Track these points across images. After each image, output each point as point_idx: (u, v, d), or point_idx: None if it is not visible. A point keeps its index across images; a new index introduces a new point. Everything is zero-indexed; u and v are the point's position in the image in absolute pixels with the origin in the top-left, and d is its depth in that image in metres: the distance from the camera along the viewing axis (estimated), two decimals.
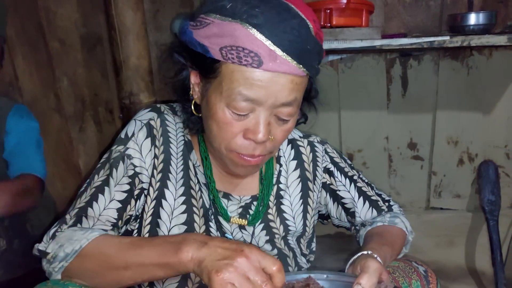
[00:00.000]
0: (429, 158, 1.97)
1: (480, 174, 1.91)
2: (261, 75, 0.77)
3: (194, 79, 0.88)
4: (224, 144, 0.85)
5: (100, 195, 0.88)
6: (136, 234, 0.93)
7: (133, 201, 0.90)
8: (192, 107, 0.90)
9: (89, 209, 0.87)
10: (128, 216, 0.91)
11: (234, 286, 0.65)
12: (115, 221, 0.88)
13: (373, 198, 1.09)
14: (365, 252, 0.85)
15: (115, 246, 0.79)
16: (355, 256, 0.85)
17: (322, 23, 1.54)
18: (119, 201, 0.88)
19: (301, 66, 0.78)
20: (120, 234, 0.91)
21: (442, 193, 2.00)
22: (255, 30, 0.75)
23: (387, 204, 1.10)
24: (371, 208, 1.07)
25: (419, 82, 1.89)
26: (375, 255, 0.84)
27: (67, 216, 0.87)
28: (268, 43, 0.75)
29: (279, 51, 0.76)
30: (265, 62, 0.76)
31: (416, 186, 2.01)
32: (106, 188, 0.89)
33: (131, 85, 1.74)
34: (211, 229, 0.95)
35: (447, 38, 1.47)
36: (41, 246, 0.84)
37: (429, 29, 1.80)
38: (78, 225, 0.85)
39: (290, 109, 0.82)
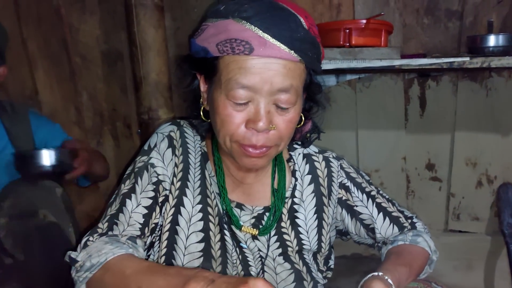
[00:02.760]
0: (448, 180, 1.95)
1: (500, 197, 1.87)
2: (254, 62, 0.83)
3: (203, 87, 0.95)
4: (228, 136, 0.88)
5: (128, 201, 0.92)
6: (157, 244, 0.95)
7: (158, 208, 0.94)
8: (202, 113, 0.95)
9: (120, 214, 0.91)
10: (153, 225, 0.94)
11: None
12: (141, 226, 0.91)
13: (394, 214, 1.07)
14: (376, 273, 0.85)
15: (133, 267, 0.81)
16: (366, 277, 0.85)
17: (341, 43, 1.55)
18: (145, 207, 0.92)
19: (292, 51, 0.83)
20: (145, 246, 0.93)
21: (460, 215, 1.97)
22: (245, 21, 0.82)
23: (409, 221, 1.07)
24: (392, 224, 1.06)
25: (437, 103, 1.89)
26: (386, 277, 0.83)
27: (100, 225, 0.92)
28: (257, 30, 0.81)
29: (268, 37, 0.81)
30: (256, 48, 0.81)
31: (434, 208, 1.98)
32: (133, 195, 0.93)
33: (150, 100, 1.76)
34: (226, 237, 0.97)
35: (467, 59, 1.47)
36: (73, 254, 0.87)
37: (447, 51, 1.80)
38: (110, 232, 0.89)
39: (288, 96, 0.86)
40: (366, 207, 1.07)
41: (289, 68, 0.84)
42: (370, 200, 1.07)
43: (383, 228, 1.06)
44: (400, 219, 1.08)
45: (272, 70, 0.83)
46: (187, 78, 0.97)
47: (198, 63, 0.91)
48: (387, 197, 1.10)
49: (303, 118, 0.97)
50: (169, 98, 1.79)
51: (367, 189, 1.08)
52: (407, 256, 0.97)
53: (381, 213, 1.07)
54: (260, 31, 0.81)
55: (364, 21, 1.52)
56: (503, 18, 1.74)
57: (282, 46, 0.82)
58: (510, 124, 1.84)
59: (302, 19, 0.86)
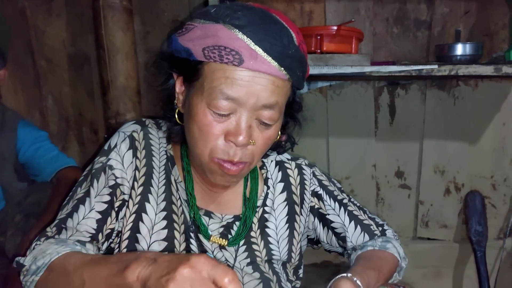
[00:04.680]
0: (416, 187, 1.97)
1: (467, 204, 1.90)
2: (242, 74, 0.78)
3: (179, 88, 0.89)
4: (207, 150, 0.83)
5: (80, 206, 0.87)
6: (116, 251, 0.90)
7: (113, 213, 0.88)
8: (176, 116, 0.90)
9: (69, 219, 0.86)
10: (109, 230, 0.88)
11: None
12: (94, 231, 0.86)
13: (366, 222, 1.06)
14: (344, 275, 0.83)
15: (75, 263, 0.76)
16: (334, 279, 0.84)
17: (312, 49, 1.54)
18: (99, 212, 0.87)
19: (282, 68, 0.79)
20: (101, 250, 0.89)
21: (429, 222, 1.98)
22: (237, 30, 0.77)
23: (380, 228, 1.07)
24: (363, 232, 1.05)
25: (406, 111, 1.91)
26: (355, 279, 0.82)
27: (48, 229, 0.87)
28: (249, 42, 0.77)
29: (260, 51, 0.77)
30: (245, 60, 0.77)
31: (403, 215, 2.00)
32: (87, 198, 0.88)
33: (118, 105, 1.72)
34: (192, 246, 0.92)
35: (435, 66, 1.49)
36: (21, 259, 0.82)
37: (416, 59, 1.82)
38: (57, 236, 0.84)
39: (272, 113, 0.82)
40: (338, 216, 1.05)
41: (276, 85, 0.81)
42: (342, 208, 1.05)
43: (354, 236, 1.05)
44: (371, 227, 1.07)
45: (259, 85, 0.79)
46: (161, 76, 0.91)
47: (178, 63, 0.85)
48: (358, 204, 1.09)
49: (279, 133, 0.93)
50: (137, 102, 1.75)
51: (339, 197, 1.06)
52: (376, 260, 0.96)
53: (352, 221, 1.05)
54: (252, 43, 0.77)
55: (335, 27, 1.53)
56: (470, 28, 1.78)
57: (273, 62, 0.78)
58: (477, 132, 1.88)
59: (294, 35, 0.82)
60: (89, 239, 0.86)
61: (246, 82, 0.79)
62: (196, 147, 0.85)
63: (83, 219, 0.86)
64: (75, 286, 0.72)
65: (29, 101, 1.95)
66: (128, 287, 0.65)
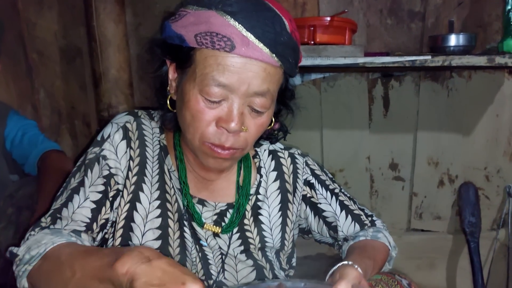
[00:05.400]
0: (410, 179, 1.97)
1: (461, 196, 1.91)
2: (234, 60, 0.79)
3: (171, 74, 0.89)
4: (197, 135, 0.84)
5: (75, 196, 0.87)
6: (111, 241, 0.90)
7: (108, 203, 0.88)
8: (168, 102, 0.90)
9: (64, 209, 0.86)
10: (104, 220, 0.88)
11: None
12: (88, 221, 0.86)
13: (356, 212, 1.07)
14: (345, 262, 0.84)
15: (69, 253, 0.75)
16: (335, 267, 0.84)
17: (305, 40, 1.54)
18: (93, 201, 0.87)
19: (274, 55, 0.80)
20: (96, 240, 0.89)
21: (423, 214, 1.99)
22: (229, 17, 0.78)
23: (370, 219, 1.08)
24: (353, 222, 1.05)
25: (400, 103, 1.90)
26: (356, 266, 0.83)
27: (42, 219, 0.87)
28: (241, 28, 0.77)
29: (251, 37, 0.77)
30: (237, 46, 0.77)
31: (397, 207, 2.00)
32: (81, 188, 0.88)
33: (110, 97, 1.70)
34: (185, 234, 0.92)
35: (428, 57, 1.49)
36: (14, 249, 0.82)
37: (410, 51, 1.82)
38: (52, 226, 0.84)
39: (264, 100, 0.83)
40: (330, 205, 1.06)
41: (268, 72, 0.81)
42: (333, 197, 1.06)
43: (345, 225, 1.06)
44: (361, 217, 1.08)
45: (251, 72, 0.79)
46: (155, 62, 0.92)
47: (171, 50, 0.86)
48: (348, 195, 1.10)
49: (272, 120, 0.93)
50: (130, 95, 1.74)
51: (330, 187, 1.07)
52: (370, 250, 0.97)
53: (343, 211, 1.06)
54: (244, 30, 0.77)
55: (329, 18, 1.52)
56: (463, 19, 1.78)
57: (265, 49, 0.78)
58: (471, 124, 1.88)
59: (286, 22, 0.82)
60: (84, 228, 0.86)
61: (237, 69, 0.79)
62: (188, 132, 0.86)
63: (78, 208, 0.86)
64: (66, 276, 0.72)
65: (21, 94, 1.93)
66: (116, 280, 0.64)
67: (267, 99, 0.83)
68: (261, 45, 0.78)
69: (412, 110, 1.90)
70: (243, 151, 0.88)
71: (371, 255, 0.94)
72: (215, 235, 0.95)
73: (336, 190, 1.07)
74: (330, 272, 0.84)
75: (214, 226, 0.94)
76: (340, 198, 1.07)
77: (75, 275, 0.71)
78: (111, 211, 0.89)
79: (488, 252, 1.90)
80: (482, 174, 1.93)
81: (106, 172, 0.88)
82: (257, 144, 1.04)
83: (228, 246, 0.96)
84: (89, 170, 0.88)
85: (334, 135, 1.94)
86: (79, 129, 2.00)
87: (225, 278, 0.94)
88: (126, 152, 0.90)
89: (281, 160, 1.05)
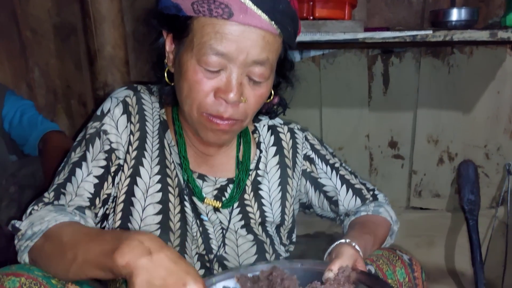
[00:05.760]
0: (410, 157, 1.96)
1: (460, 174, 1.90)
2: (232, 28, 0.77)
3: (169, 46, 0.88)
4: (195, 105, 0.82)
5: (77, 170, 0.86)
6: (111, 216, 0.90)
7: (110, 178, 0.88)
8: (166, 75, 0.88)
9: (68, 184, 0.85)
10: (106, 196, 0.88)
11: None
12: (91, 196, 0.85)
13: (357, 186, 1.06)
14: (343, 241, 0.84)
15: (70, 234, 0.74)
16: (333, 245, 0.84)
17: (305, 15, 1.51)
18: (96, 176, 0.86)
19: (272, 22, 0.78)
20: (97, 216, 0.88)
21: (422, 192, 1.98)
22: None
23: (371, 193, 1.07)
24: (354, 196, 1.05)
25: (400, 80, 1.88)
26: (353, 243, 0.82)
27: (46, 194, 0.85)
28: None
29: (250, 4, 0.76)
30: (235, 14, 0.76)
31: (397, 185, 1.99)
32: (83, 163, 0.87)
33: (105, 75, 1.68)
34: (186, 209, 0.92)
35: (429, 32, 1.45)
36: (17, 223, 0.81)
37: (411, 26, 1.78)
38: (55, 202, 0.83)
39: (263, 70, 0.81)
40: (330, 179, 1.05)
41: (267, 41, 0.79)
42: (334, 172, 1.05)
43: (346, 200, 1.05)
44: (363, 191, 1.07)
45: (250, 40, 0.78)
46: (151, 34, 0.90)
47: (167, 20, 0.84)
48: (349, 169, 1.09)
49: (272, 94, 0.92)
50: (126, 73, 1.71)
51: (331, 161, 1.06)
52: (371, 225, 0.97)
53: (344, 185, 1.05)
54: None
55: None
56: None
57: (263, 16, 0.76)
58: (471, 101, 1.86)
59: None
60: (88, 203, 0.85)
61: (236, 37, 0.77)
62: (186, 104, 0.84)
63: (81, 182, 0.85)
64: (68, 259, 0.71)
65: (15, 73, 1.90)
66: (114, 268, 0.63)
67: (266, 69, 0.81)
68: (259, 11, 0.76)
69: (412, 87, 1.87)
70: (242, 123, 0.86)
71: (371, 231, 0.94)
72: (216, 210, 0.95)
73: (337, 165, 1.06)
74: (328, 250, 0.84)
75: (215, 201, 0.94)
76: (341, 172, 1.06)
77: (77, 259, 0.70)
78: (112, 186, 0.88)
79: (486, 230, 1.90)
80: (482, 152, 1.92)
81: (107, 147, 0.87)
82: (256, 119, 1.03)
83: (229, 221, 0.95)
84: (90, 145, 0.87)
85: (333, 113, 1.92)
86: (75, 109, 1.97)
87: (225, 252, 0.94)
88: (126, 126, 0.88)
89: (281, 135, 1.04)
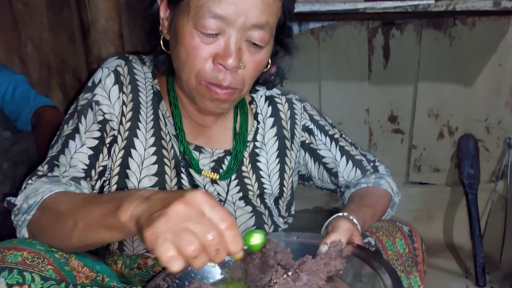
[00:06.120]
0: (410, 132, 1.94)
1: (460, 148, 1.88)
2: None
3: (163, 13, 0.84)
4: (193, 73, 0.79)
5: (70, 141, 0.84)
6: (106, 188, 0.88)
7: (105, 150, 0.85)
8: (161, 43, 0.85)
9: (61, 155, 0.83)
10: (102, 168, 0.86)
11: (168, 239, 0.54)
12: (86, 167, 0.83)
13: (357, 157, 1.04)
14: (340, 214, 0.82)
15: (67, 202, 0.72)
16: (330, 218, 0.83)
17: None
18: (90, 148, 0.84)
19: None
20: (94, 188, 0.86)
21: (421, 167, 1.97)
22: None
23: (372, 164, 1.05)
24: (354, 168, 1.03)
25: (401, 53, 1.85)
26: (351, 217, 0.81)
27: (39, 167, 0.84)
28: None
29: None
30: None
31: (396, 160, 1.98)
32: (76, 135, 0.84)
33: (99, 48, 1.64)
34: (183, 181, 0.90)
35: (432, 1, 1.42)
36: (12, 199, 0.79)
37: None
38: (49, 174, 0.81)
39: (263, 34, 0.78)
40: (330, 151, 1.03)
41: (267, 3, 0.76)
42: (333, 143, 1.03)
43: (346, 171, 1.03)
44: (363, 162, 1.05)
45: (249, 2, 0.74)
46: (145, 1, 0.87)
47: None
48: (350, 140, 1.07)
49: (269, 62, 0.89)
50: (120, 46, 1.67)
51: (330, 132, 1.04)
52: (370, 198, 0.95)
53: (344, 157, 1.03)
54: None
55: None
56: None
57: None
58: (473, 74, 1.83)
59: None
60: (83, 174, 0.83)
61: (235, 0, 0.74)
62: (183, 71, 0.81)
63: (75, 153, 0.83)
64: (68, 227, 0.69)
65: (8, 47, 1.86)
66: (121, 226, 0.62)
67: (266, 33, 0.78)
68: None
69: (413, 60, 1.84)
70: (241, 92, 0.83)
71: (370, 203, 0.93)
72: (213, 182, 0.93)
73: (336, 136, 1.04)
74: (325, 224, 0.83)
75: (212, 173, 0.91)
76: (341, 143, 1.04)
77: (77, 225, 0.68)
78: (108, 158, 0.86)
79: (486, 204, 1.90)
80: (482, 126, 1.90)
81: (100, 118, 0.84)
82: (253, 90, 1.00)
83: (227, 193, 0.94)
84: (82, 117, 0.84)
85: (332, 87, 1.89)
86: (70, 84, 1.94)
87: None
88: (119, 97, 0.86)
89: (278, 105, 1.01)
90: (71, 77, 1.93)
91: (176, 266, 0.54)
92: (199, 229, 0.55)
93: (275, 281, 0.63)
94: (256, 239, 0.67)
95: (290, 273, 0.65)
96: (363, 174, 1.03)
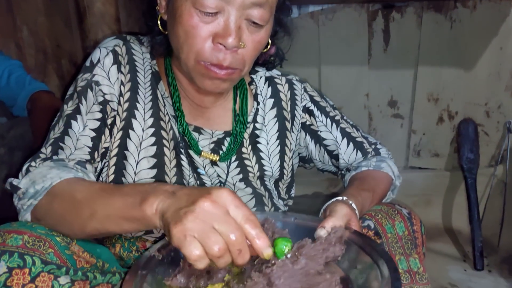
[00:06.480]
0: (409, 116, 1.93)
1: (460, 132, 1.88)
2: None
3: None
4: (192, 53, 0.77)
5: (73, 122, 0.82)
6: (105, 170, 0.86)
7: (107, 131, 0.84)
8: (159, 23, 0.83)
9: (66, 137, 0.82)
10: (104, 149, 0.85)
11: (195, 238, 0.55)
12: (90, 150, 0.82)
13: (358, 140, 1.03)
14: (339, 198, 0.81)
15: (84, 191, 0.71)
16: (329, 202, 0.82)
17: None
18: (92, 129, 0.83)
19: None
20: (96, 170, 0.85)
21: (421, 152, 1.97)
22: None
23: (373, 147, 1.04)
24: (355, 150, 1.02)
25: (401, 36, 1.83)
26: (350, 202, 0.80)
27: (43, 149, 0.81)
28: None
29: None
30: None
31: (396, 145, 1.97)
32: (78, 116, 0.83)
33: (96, 33, 1.62)
34: (182, 162, 0.89)
35: None
36: (15, 181, 0.78)
37: None
38: (54, 157, 0.80)
39: (263, 12, 0.77)
40: (330, 132, 1.02)
41: None
42: (334, 125, 1.02)
43: (347, 153, 1.02)
44: (364, 144, 1.04)
45: None
46: None
47: None
48: (351, 122, 1.06)
49: (269, 42, 0.87)
50: (117, 30, 1.64)
51: (331, 114, 1.03)
52: (370, 181, 0.94)
53: (345, 139, 1.02)
54: None
55: None
56: None
57: None
58: (473, 57, 1.82)
59: None
60: (88, 157, 0.82)
61: None
62: (182, 51, 0.79)
63: (79, 135, 0.82)
64: (84, 215, 0.69)
65: (3, 32, 1.83)
66: (146, 219, 0.63)
67: (266, 11, 0.77)
68: None
69: (414, 44, 1.82)
70: (241, 72, 0.82)
71: (370, 187, 0.92)
72: (213, 163, 0.92)
73: (337, 117, 1.03)
74: (323, 208, 0.82)
75: (212, 154, 0.90)
76: (342, 125, 1.03)
77: (96, 214, 0.68)
78: (110, 139, 0.85)
79: (484, 188, 1.90)
80: (482, 110, 1.89)
81: (101, 99, 0.83)
82: (253, 70, 0.99)
83: (227, 174, 0.93)
84: (82, 98, 0.83)
85: (332, 71, 1.88)
86: (66, 69, 1.91)
87: None
88: (117, 77, 0.84)
89: (278, 86, 1.00)
90: (68, 62, 1.91)
91: (202, 264, 0.56)
92: (224, 228, 0.56)
93: (273, 261, 0.62)
94: (282, 246, 0.66)
95: (289, 255, 0.64)
96: (364, 157, 1.03)
